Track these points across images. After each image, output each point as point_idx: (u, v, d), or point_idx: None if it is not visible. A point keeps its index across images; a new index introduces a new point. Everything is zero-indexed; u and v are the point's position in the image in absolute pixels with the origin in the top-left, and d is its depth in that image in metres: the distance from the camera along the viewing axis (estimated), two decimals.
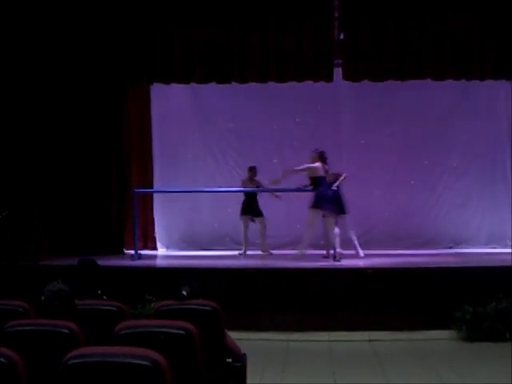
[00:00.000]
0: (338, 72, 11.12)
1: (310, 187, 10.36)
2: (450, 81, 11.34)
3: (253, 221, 11.46)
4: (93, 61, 11.20)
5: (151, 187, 12.42)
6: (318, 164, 10.27)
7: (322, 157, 10.38)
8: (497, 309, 8.63)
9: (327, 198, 10.27)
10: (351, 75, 11.09)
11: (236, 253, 11.50)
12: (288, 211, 11.96)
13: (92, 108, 11.47)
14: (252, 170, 11.51)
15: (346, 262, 10.25)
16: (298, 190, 10.71)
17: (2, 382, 2.94)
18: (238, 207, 11.78)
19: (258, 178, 11.53)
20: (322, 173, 10.28)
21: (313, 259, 10.45)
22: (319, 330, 8.88)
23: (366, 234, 12.41)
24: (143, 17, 11.10)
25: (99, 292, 5.32)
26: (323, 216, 10.47)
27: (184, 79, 11.47)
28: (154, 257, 11.87)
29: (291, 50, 10.99)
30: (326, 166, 10.40)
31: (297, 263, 10.17)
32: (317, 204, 10.19)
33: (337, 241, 10.42)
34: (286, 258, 10.83)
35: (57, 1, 11.11)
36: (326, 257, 10.68)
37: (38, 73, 11.17)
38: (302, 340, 8.74)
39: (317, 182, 10.28)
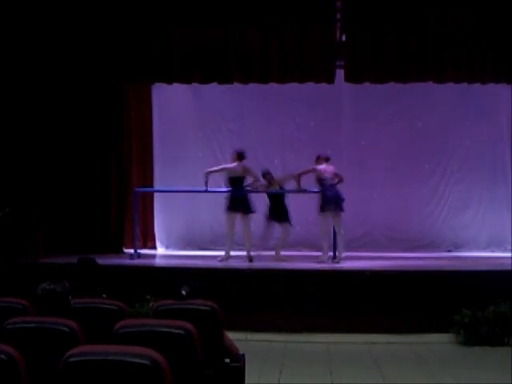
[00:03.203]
0: (339, 74, 11.12)
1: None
2: (451, 84, 11.35)
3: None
4: (93, 60, 11.19)
5: (151, 187, 12.43)
6: (233, 164, 10.38)
7: (240, 156, 10.44)
8: (495, 313, 8.63)
9: (238, 199, 10.37)
10: (353, 77, 11.09)
11: (235, 253, 11.47)
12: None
13: (92, 107, 11.47)
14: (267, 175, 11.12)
15: (344, 265, 10.26)
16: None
17: (2, 380, 2.94)
18: None
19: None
20: (237, 173, 10.36)
21: (311, 261, 10.45)
22: (317, 331, 8.89)
23: (366, 236, 12.45)
24: (144, 16, 11.08)
25: (99, 291, 5.32)
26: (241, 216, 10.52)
27: (185, 79, 11.46)
28: (154, 256, 11.87)
29: (293, 52, 10.99)
30: (246, 167, 10.46)
31: (296, 265, 10.19)
32: (230, 207, 10.40)
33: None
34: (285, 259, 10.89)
35: (57, 0, 11.10)
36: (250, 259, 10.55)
37: (39, 73, 11.15)
38: (299, 341, 8.75)
39: (231, 183, 10.43)
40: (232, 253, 11.01)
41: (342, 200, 10.39)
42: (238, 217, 10.58)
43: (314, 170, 10.45)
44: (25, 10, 10.93)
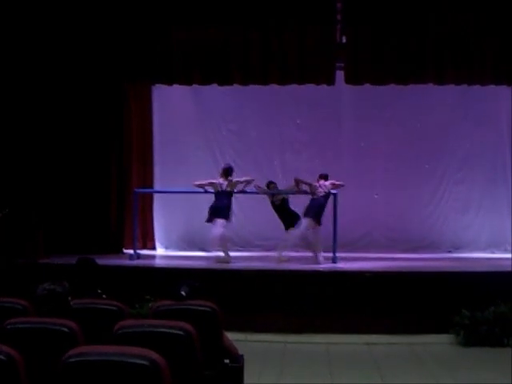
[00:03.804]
0: (339, 75, 11.12)
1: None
2: (452, 85, 11.35)
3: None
4: (94, 61, 11.19)
5: (151, 187, 12.43)
6: (219, 180, 10.62)
7: (226, 172, 10.63)
8: (495, 314, 8.64)
9: (216, 208, 10.54)
10: (353, 78, 11.08)
11: (233, 254, 11.48)
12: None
13: (93, 107, 11.47)
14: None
15: (345, 265, 10.27)
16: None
17: (2, 380, 2.94)
18: (236, 208, 11.83)
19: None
20: (223, 188, 10.53)
21: (309, 262, 10.45)
22: (317, 332, 8.89)
23: (366, 237, 12.45)
24: (144, 17, 11.08)
25: (99, 291, 5.33)
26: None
27: (185, 80, 11.46)
28: (153, 257, 11.87)
29: (293, 53, 10.98)
30: (231, 179, 10.58)
31: (295, 266, 10.20)
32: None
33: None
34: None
35: (57, 1, 11.11)
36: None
37: (39, 73, 11.15)
38: (299, 342, 8.75)
39: (215, 195, 10.65)
40: (231, 253, 11.04)
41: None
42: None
43: (309, 184, 10.72)
44: (25, 10, 10.94)
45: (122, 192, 11.87)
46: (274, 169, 12.40)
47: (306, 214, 10.57)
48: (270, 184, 11.21)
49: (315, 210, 10.54)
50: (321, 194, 10.55)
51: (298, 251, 11.38)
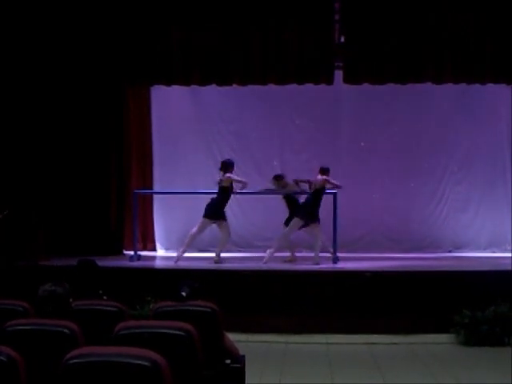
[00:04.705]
0: (338, 75, 11.13)
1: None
2: (451, 85, 11.36)
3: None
4: (93, 62, 11.21)
5: (151, 188, 12.44)
6: (220, 176, 10.42)
7: (223, 167, 10.41)
8: (496, 313, 8.63)
9: (210, 206, 10.42)
10: (352, 78, 11.10)
11: (234, 255, 11.48)
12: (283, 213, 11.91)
13: (92, 109, 11.47)
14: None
15: (345, 265, 10.27)
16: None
17: (2, 381, 2.95)
18: (236, 209, 11.85)
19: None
20: (223, 184, 10.34)
21: (309, 262, 10.46)
22: (317, 332, 8.89)
23: (365, 237, 12.45)
24: (144, 18, 11.10)
25: (100, 292, 5.33)
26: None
27: (184, 81, 11.47)
28: (153, 258, 11.88)
29: (292, 53, 11.00)
30: (223, 176, 10.36)
31: (295, 266, 10.20)
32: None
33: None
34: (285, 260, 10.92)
35: (57, 1, 11.12)
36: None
37: (39, 74, 11.17)
38: (300, 342, 8.75)
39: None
40: (232, 254, 11.04)
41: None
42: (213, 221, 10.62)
43: (307, 181, 10.74)
44: (25, 11, 10.95)
45: (121, 193, 11.87)
46: (274, 169, 12.37)
47: (296, 213, 10.56)
48: (278, 176, 11.14)
49: (303, 209, 10.50)
50: (311, 191, 10.51)
51: (300, 251, 11.41)
